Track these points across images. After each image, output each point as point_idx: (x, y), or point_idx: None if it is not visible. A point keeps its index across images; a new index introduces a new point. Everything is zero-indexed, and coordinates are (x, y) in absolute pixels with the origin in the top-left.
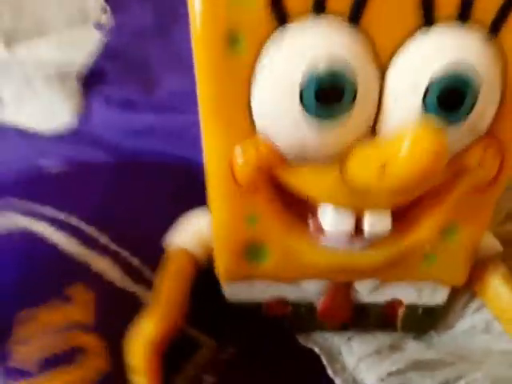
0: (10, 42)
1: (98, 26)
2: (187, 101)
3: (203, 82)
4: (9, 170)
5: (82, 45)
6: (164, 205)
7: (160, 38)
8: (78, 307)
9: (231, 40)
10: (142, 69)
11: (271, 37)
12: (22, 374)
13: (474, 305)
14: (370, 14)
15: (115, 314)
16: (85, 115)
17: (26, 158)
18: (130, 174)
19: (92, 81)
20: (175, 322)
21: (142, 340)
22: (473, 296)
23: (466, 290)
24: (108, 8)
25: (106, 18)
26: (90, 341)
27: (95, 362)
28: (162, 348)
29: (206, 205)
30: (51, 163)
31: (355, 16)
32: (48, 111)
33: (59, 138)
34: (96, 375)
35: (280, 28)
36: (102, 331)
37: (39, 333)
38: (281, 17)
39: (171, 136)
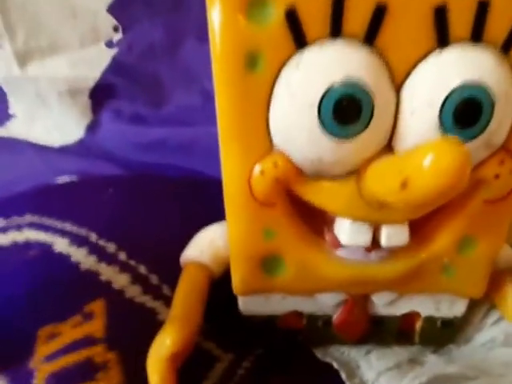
0: (23, 61)
1: (110, 44)
2: (195, 115)
3: (222, 100)
4: (24, 185)
5: (94, 62)
6: (176, 219)
7: (169, 53)
8: (99, 324)
9: (250, 60)
10: (151, 84)
11: (290, 58)
12: None
13: (492, 317)
14: (385, 36)
15: (135, 330)
16: (95, 129)
17: (40, 172)
18: (143, 188)
19: (102, 95)
20: (191, 336)
21: (159, 356)
22: (491, 308)
23: (484, 302)
24: (120, 27)
25: (117, 37)
26: (110, 357)
27: (114, 379)
28: (179, 363)
29: (218, 218)
30: (65, 177)
31: (370, 38)
32: (60, 126)
33: (71, 152)
34: None
35: (298, 50)
36: (122, 348)
37: (62, 350)
38: (299, 40)
39: (180, 149)
